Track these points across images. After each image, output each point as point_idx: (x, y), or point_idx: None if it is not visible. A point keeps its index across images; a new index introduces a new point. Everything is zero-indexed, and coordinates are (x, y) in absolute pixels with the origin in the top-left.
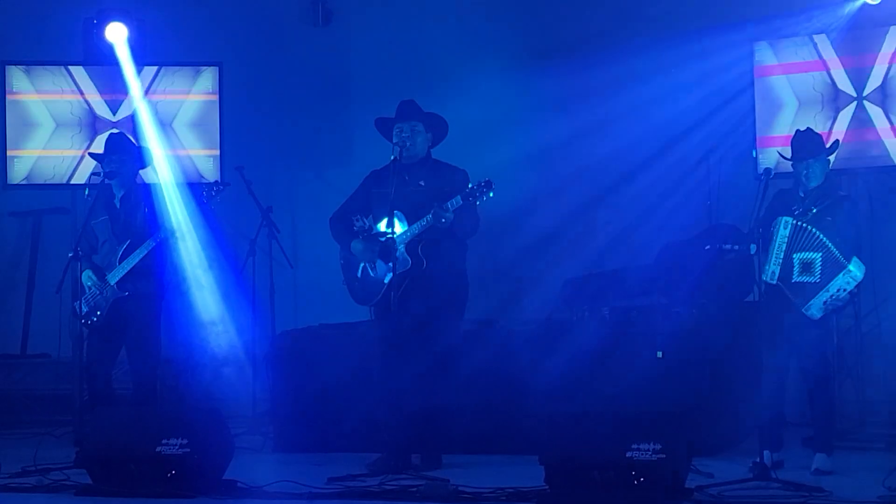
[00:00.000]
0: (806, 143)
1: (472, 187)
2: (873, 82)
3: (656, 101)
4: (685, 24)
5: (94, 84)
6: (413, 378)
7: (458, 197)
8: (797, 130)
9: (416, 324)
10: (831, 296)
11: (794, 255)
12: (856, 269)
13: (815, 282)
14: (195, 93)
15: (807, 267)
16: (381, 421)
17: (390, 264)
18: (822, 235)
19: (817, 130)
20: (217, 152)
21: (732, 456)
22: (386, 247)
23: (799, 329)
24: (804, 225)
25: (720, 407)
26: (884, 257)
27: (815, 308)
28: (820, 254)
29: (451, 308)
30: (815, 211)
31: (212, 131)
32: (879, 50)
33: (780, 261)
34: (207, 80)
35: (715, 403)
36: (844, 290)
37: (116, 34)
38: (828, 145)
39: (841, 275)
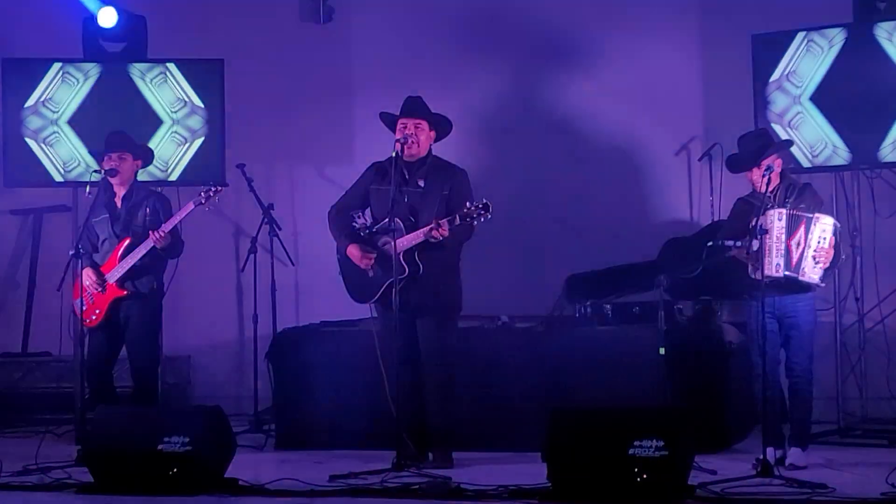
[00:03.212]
0: (753, 145)
1: (471, 208)
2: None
3: (657, 98)
4: (687, 20)
5: (95, 81)
6: (412, 376)
7: (457, 216)
8: (742, 135)
9: (415, 323)
10: (814, 250)
11: (791, 242)
12: (824, 217)
13: (802, 249)
14: (196, 89)
15: (798, 244)
16: (387, 418)
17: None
18: (804, 213)
19: (809, 127)
20: (218, 150)
21: (735, 453)
22: (383, 254)
23: (787, 324)
24: (795, 212)
25: (723, 403)
26: (885, 255)
27: (808, 268)
28: (802, 227)
29: (449, 306)
30: (790, 202)
31: (213, 128)
32: (882, 47)
33: (783, 252)
34: (208, 76)
35: (717, 400)
36: (823, 238)
37: (108, 19)
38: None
39: (813, 227)
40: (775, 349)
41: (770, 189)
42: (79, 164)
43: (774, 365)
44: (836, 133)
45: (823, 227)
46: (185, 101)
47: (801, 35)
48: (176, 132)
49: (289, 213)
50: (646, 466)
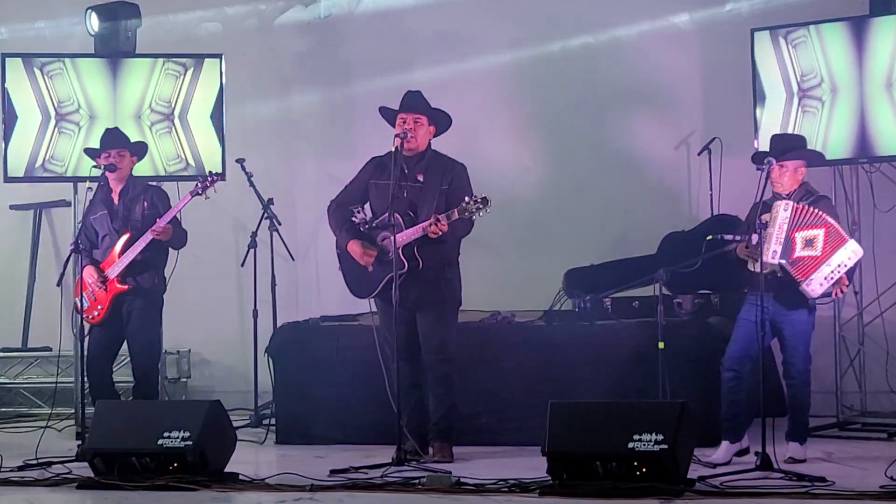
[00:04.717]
0: (778, 145)
1: (469, 203)
2: (876, 72)
3: (657, 93)
4: (686, 14)
5: (94, 76)
6: (412, 371)
7: (455, 211)
8: (773, 135)
9: (415, 318)
10: (832, 270)
11: (797, 235)
12: (855, 245)
13: (816, 255)
14: (195, 84)
15: (809, 242)
16: (387, 413)
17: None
18: (822, 213)
19: (816, 121)
20: (218, 144)
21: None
22: (382, 249)
23: (781, 323)
24: (815, 210)
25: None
26: (884, 249)
27: (815, 282)
28: (822, 230)
29: (449, 301)
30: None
31: (212, 123)
32: (885, 39)
33: (782, 241)
34: (208, 71)
35: (716, 394)
36: (844, 265)
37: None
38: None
39: (842, 248)
40: (751, 342)
41: (786, 193)
42: (65, 170)
43: (744, 358)
44: (840, 132)
45: (850, 255)
46: (168, 111)
47: (801, 30)
48: (155, 125)
49: (288, 208)
50: (645, 460)
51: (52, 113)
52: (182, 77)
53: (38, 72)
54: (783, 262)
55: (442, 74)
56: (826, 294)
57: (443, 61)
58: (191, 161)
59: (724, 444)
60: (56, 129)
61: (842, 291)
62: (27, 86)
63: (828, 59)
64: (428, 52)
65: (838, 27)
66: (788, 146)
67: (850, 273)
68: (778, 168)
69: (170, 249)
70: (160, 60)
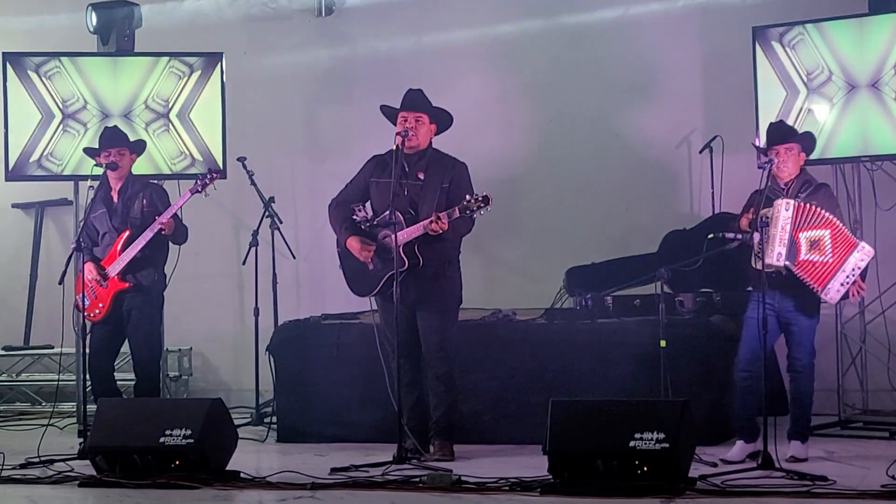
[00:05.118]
0: (778, 131)
1: (470, 201)
2: (878, 70)
3: (658, 90)
4: (687, 11)
5: (102, 73)
6: (413, 369)
7: (456, 209)
8: (770, 122)
9: (415, 316)
10: (847, 275)
11: (801, 235)
12: (866, 246)
13: (826, 261)
14: (197, 83)
15: (815, 244)
16: (388, 411)
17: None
18: (826, 212)
19: (818, 119)
20: (219, 143)
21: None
22: (383, 247)
23: (787, 319)
24: (806, 203)
25: (723, 396)
26: (886, 247)
27: (833, 290)
28: (828, 231)
29: (450, 299)
30: (802, 197)
31: (213, 122)
32: (879, 37)
33: (786, 242)
34: (209, 70)
35: (718, 392)
36: (858, 267)
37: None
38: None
39: (854, 252)
40: (757, 341)
41: (785, 182)
42: (63, 169)
43: (755, 358)
44: (852, 128)
45: (863, 257)
46: (164, 110)
47: (796, 28)
48: (150, 124)
49: (290, 207)
50: (647, 459)
51: (57, 112)
52: (187, 77)
53: (32, 73)
54: (788, 263)
55: (444, 74)
56: (844, 297)
57: (445, 60)
58: (197, 156)
59: (739, 443)
60: (61, 128)
61: (858, 293)
62: (18, 86)
63: (836, 55)
64: (430, 50)
65: (842, 23)
66: (788, 129)
67: (862, 273)
68: (784, 151)
69: (169, 247)
70: (163, 59)
